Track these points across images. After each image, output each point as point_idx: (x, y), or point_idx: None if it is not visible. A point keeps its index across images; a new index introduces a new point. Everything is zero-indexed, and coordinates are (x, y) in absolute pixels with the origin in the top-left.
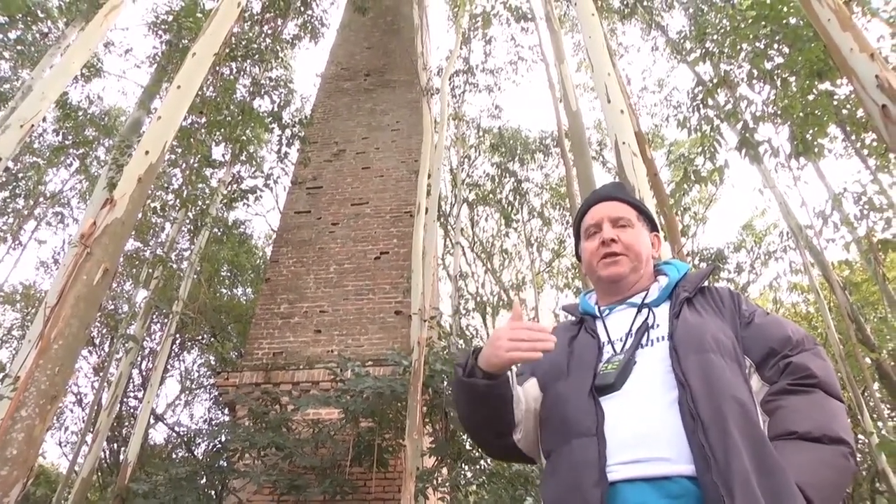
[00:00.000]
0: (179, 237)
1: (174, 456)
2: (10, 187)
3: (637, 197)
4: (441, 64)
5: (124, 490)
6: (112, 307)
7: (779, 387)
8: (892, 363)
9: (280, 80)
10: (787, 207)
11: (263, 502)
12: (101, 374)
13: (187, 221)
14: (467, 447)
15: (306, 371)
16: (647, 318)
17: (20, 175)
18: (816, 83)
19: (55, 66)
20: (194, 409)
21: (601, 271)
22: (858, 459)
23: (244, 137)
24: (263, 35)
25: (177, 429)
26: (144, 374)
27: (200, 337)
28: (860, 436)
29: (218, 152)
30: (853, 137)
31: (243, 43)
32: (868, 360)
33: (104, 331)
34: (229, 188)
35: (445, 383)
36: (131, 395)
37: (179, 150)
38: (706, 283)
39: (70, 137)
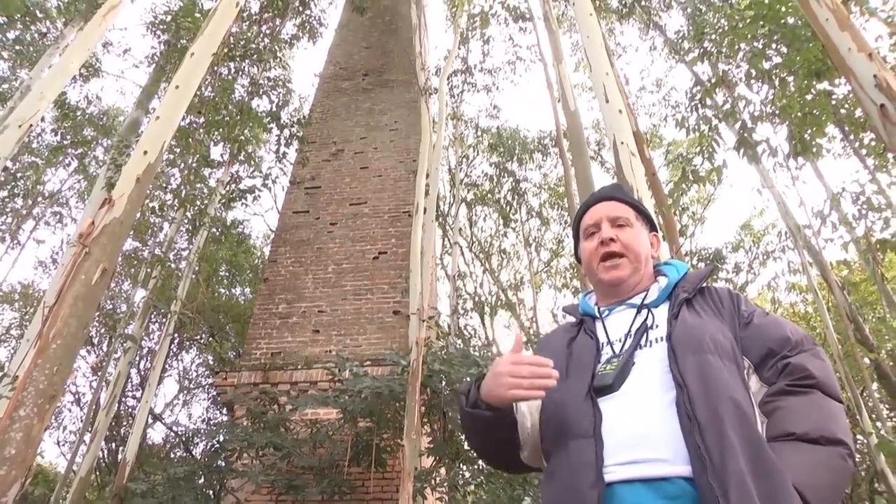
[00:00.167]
0: (178, 237)
1: (172, 455)
2: (9, 187)
3: (635, 197)
4: (439, 64)
5: (122, 489)
6: (110, 307)
7: (777, 388)
8: (891, 363)
9: (278, 79)
10: (786, 207)
11: (261, 502)
12: (100, 373)
13: (186, 221)
14: (465, 447)
15: (304, 371)
16: (646, 319)
17: (19, 175)
18: (815, 83)
19: (54, 65)
20: (192, 409)
21: (602, 275)
22: (857, 460)
23: (242, 137)
24: (262, 35)
25: (175, 428)
26: (143, 373)
27: (199, 337)
28: (859, 436)
29: (216, 152)
30: (851, 137)
31: (242, 43)
32: (867, 361)
33: (102, 330)
34: (228, 188)
35: (444, 383)
36: (129, 394)
37: (178, 150)
38: (705, 284)
39: (68, 137)
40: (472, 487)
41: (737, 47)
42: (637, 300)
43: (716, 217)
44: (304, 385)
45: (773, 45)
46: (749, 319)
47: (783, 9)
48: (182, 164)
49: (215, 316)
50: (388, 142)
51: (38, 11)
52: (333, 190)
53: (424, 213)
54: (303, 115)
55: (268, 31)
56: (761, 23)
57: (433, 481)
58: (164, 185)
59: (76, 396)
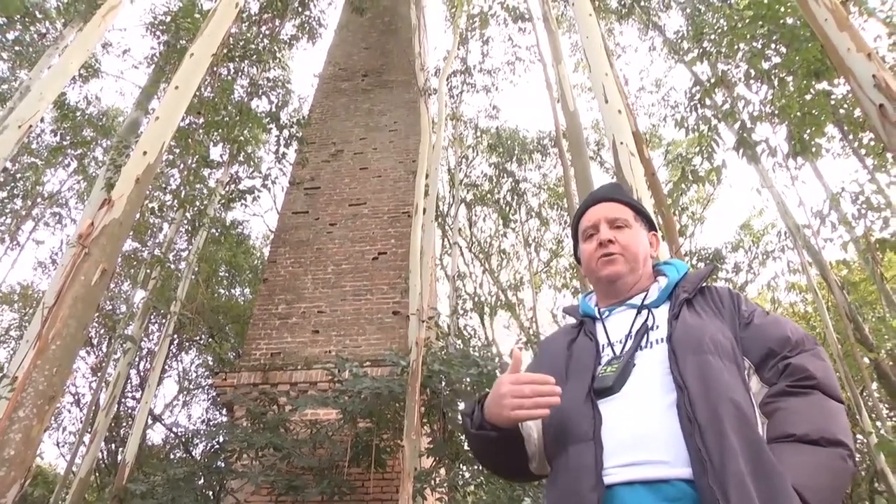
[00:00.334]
0: (177, 237)
1: (172, 456)
2: (8, 188)
3: (635, 197)
4: (439, 64)
5: (122, 490)
6: (110, 307)
7: (777, 388)
8: (891, 363)
9: (278, 80)
10: (785, 207)
11: (261, 503)
12: (99, 374)
13: (185, 222)
14: (465, 448)
15: (304, 371)
16: (646, 320)
17: (18, 175)
18: (814, 83)
19: (53, 66)
20: (192, 410)
21: (600, 271)
22: (857, 460)
23: (242, 138)
24: (261, 36)
25: (175, 429)
26: (142, 374)
27: (198, 337)
28: (858, 436)
29: (216, 153)
30: (851, 137)
31: (241, 43)
32: (866, 360)
33: (102, 331)
34: (227, 188)
35: (443, 384)
36: (129, 395)
37: (177, 151)
38: (706, 284)
39: (68, 138)
40: (472, 488)
41: (736, 47)
42: (637, 300)
43: (715, 217)
44: (303, 385)
45: (773, 45)
46: (749, 319)
47: (782, 9)
48: (181, 165)
49: (215, 316)
50: (388, 142)
51: (37, 12)
52: (333, 190)
53: (424, 213)
54: (302, 116)
55: (267, 32)
56: (760, 23)
57: (433, 482)
58: (163, 185)
59: (76, 397)
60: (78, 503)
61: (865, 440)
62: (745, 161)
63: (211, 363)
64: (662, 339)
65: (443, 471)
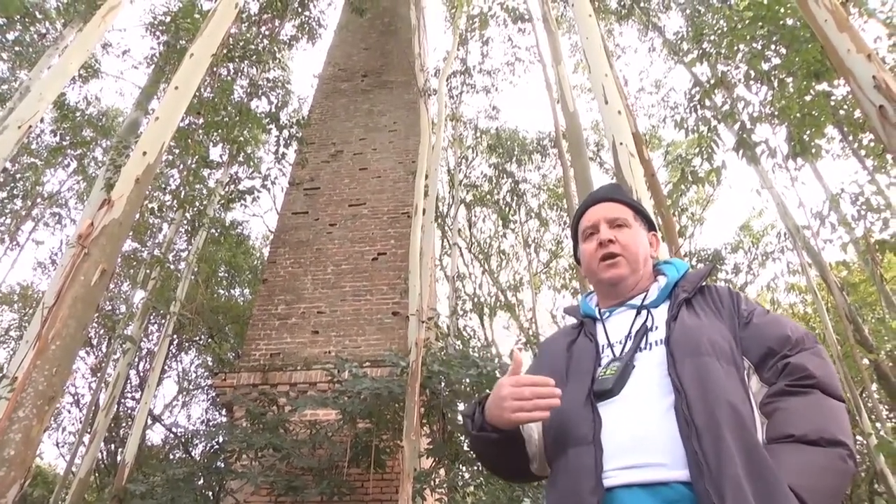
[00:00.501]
0: (177, 238)
1: (171, 457)
2: (8, 188)
3: (634, 198)
4: (438, 65)
5: (121, 491)
6: (109, 308)
7: (777, 388)
8: (891, 364)
9: (277, 81)
10: (785, 208)
11: (261, 503)
12: (99, 374)
13: (185, 222)
14: (465, 448)
15: (304, 372)
16: (645, 321)
17: (18, 176)
18: (814, 84)
19: (53, 66)
20: (192, 410)
21: (601, 274)
22: (857, 460)
23: (241, 138)
24: (261, 36)
25: (174, 429)
26: (142, 374)
27: (198, 338)
28: (858, 437)
29: (215, 153)
30: (850, 138)
31: (241, 44)
32: (866, 361)
33: (102, 331)
34: (227, 189)
35: (443, 384)
36: (129, 395)
37: (177, 151)
38: (705, 283)
39: (68, 138)
40: (472, 488)
41: (736, 48)
42: (637, 301)
43: (715, 218)
44: (303, 386)
45: (772, 46)
46: (749, 319)
47: (782, 10)
48: (181, 165)
49: (214, 317)
50: (388, 143)
51: (37, 12)
52: (332, 191)
53: (423, 214)
54: (302, 117)
55: (267, 33)
56: (760, 24)
57: (432, 482)
58: (163, 185)
59: (75, 397)
60: (77, 503)
61: (865, 441)
62: (745, 162)
63: (210, 363)
64: (661, 341)
65: (442, 471)
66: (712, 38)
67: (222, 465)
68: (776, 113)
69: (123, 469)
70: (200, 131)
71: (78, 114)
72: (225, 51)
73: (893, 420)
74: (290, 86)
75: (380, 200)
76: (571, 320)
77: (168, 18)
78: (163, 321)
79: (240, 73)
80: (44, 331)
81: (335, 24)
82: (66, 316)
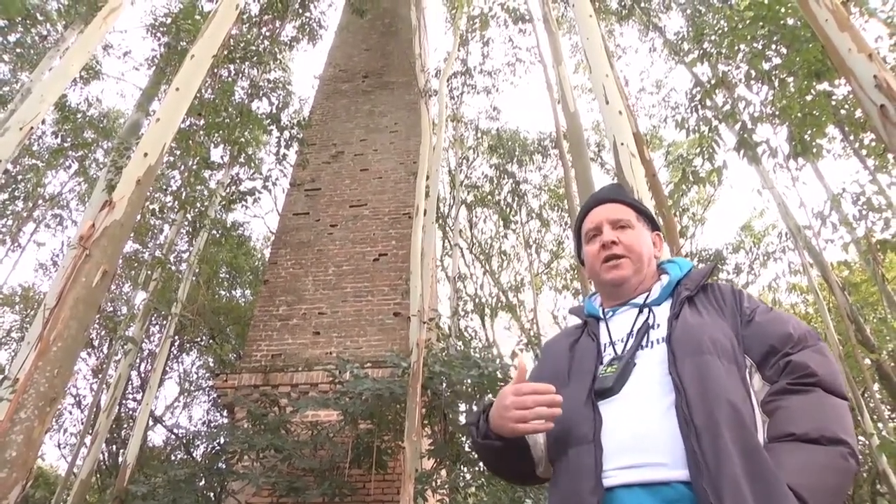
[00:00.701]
0: (178, 239)
1: (173, 458)
2: (10, 189)
3: (636, 198)
4: (439, 66)
5: (123, 492)
6: (111, 309)
7: (778, 386)
8: (892, 364)
9: (278, 82)
10: (786, 208)
11: None
12: (100, 375)
13: (186, 223)
14: (466, 449)
15: (305, 373)
16: (647, 319)
17: (19, 177)
18: (814, 83)
19: (54, 68)
20: (193, 411)
21: (605, 275)
22: (860, 459)
23: (242, 139)
24: (262, 37)
25: (176, 431)
26: (143, 375)
27: (199, 339)
28: (860, 437)
29: (216, 154)
30: (851, 138)
31: (241, 45)
32: (868, 361)
33: (103, 333)
34: (228, 190)
35: (444, 385)
36: (130, 396)
37: (178, 152)
38: (708, 281)
39: (69, 140)
40: (473, 489)
41: (736, 48)
42: (640, 300)
43: (716, 218)
44: (304, 387)
45: (773, 46)
46: (751, 317)
47: (783, 10)
48: (182, 167)
49: (216, 318)
50: (388, 144)
51: (38, 14)
52: (333, 192)
53: (424, 214)
54: (303, 117)
55: (268, 34)
56: (761, 24)
57: (434, 483)
58: (164, 187)
59: (77, 399)
60: None
61: (867, 441)
62: (746, 162)
63: (212, 365)
64: (662, 339)
65: (444, 472)
66: (713, 38)
67: (224, 466)
68: (777, 113)
69: (125, 470)
70: (201, 132)
71: (79, 115)
72: (226, 52)
73: (895, 420)
74: (290, 87)
75: (381, 201)
76: (576, 321)
77: (169, 20)
78: (164, 322)
79: (241, 75)
80: (45, 332)
81: (336, 25)
82: (68, 317)
